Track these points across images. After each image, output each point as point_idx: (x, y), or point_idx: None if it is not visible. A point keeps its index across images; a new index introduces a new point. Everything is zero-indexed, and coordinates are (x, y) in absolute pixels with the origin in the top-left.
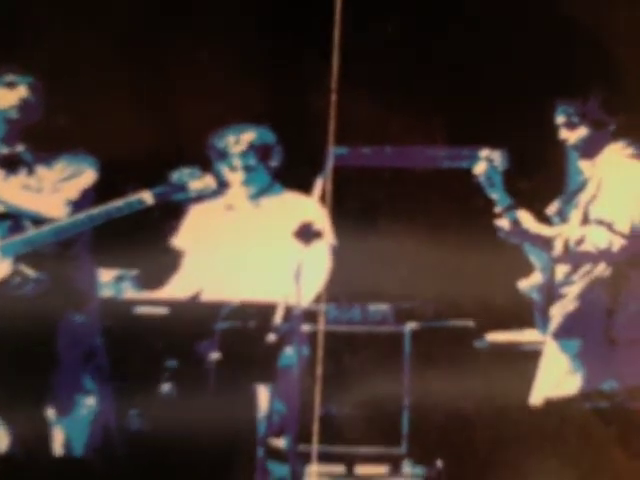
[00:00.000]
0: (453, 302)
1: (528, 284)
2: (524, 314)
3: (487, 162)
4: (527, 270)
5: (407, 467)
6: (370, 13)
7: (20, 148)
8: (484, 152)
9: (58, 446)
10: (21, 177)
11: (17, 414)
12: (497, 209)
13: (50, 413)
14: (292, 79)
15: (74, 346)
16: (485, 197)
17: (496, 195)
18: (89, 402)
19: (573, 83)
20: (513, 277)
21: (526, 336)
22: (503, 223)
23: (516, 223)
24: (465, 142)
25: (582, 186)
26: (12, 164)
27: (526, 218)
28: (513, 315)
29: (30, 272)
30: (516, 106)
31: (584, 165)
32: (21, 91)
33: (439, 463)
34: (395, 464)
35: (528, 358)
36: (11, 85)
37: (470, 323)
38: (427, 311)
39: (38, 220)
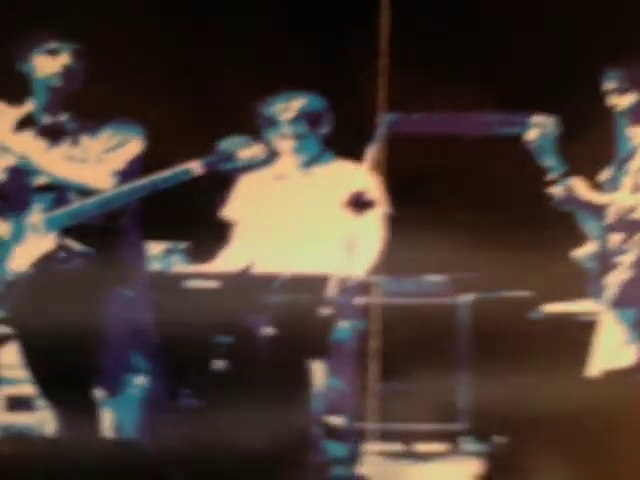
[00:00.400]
0: (508, 273)
1: (582, 253)
2: (579, 284)
3: (539, 128)
4: (581, 239)
5: (467, 444)
6: None
7: (63, 117)
8: (536, 118)
9: (107, 428)
10: (65, 147)
11: (64, 396)
12: (550, 176)
13: (98, 394)
14: (341, 43)
15: (123, 323)
16: (537, 165)
17: (549, 162)
18: (139, 381)
19: (623, 48)
20: (567, 246)
21: (582, 306)
22: (556, 191)
23: (569, 190)
24: (516, 108)
25: (632, 153)
26: (55, 134)
27: (579, 186)
28: (568, 285)
29: (76, 246)
30: (566, 71)
31: (633, 132)
32: (64, 58)
33: (499, 439)
34: (454, 441)
35: (584, 329)
36: (53, 52)
37: (526, 294)
38: (483, 282)
39: (83, 192)
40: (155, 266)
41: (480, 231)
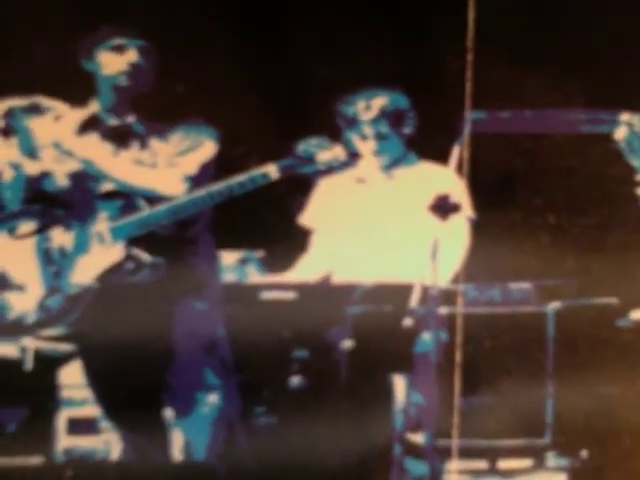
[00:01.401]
0: (596, 278)
1: None
2: None
3: (628, 127)
4: None
5: (551, 459)
6: None
7: (131, 119)
8: (624, 116)
9: (177, 450)
10: (133, 151)
11: (131, 416)
12: (639, 177)
13: (168, 414)
14: (424, 38)
15: (194, 337)
16: (626, 164)
17: (637, 162)
18: (211, 399)
19: None
20: None
21: None
22: None
23: None
24: (604, 105)
25: None
26: (123, 137)
27: None
28: None
29: (145, 256)
30: None
31: None
32: (131, 55)
33: (584, 453)
34: (539, 457)
35: None
36: (119, 49)
37: (614, 300)
38: (570, 289)
39: (153, 198)
40: (229, 277)
41: (567, 235)
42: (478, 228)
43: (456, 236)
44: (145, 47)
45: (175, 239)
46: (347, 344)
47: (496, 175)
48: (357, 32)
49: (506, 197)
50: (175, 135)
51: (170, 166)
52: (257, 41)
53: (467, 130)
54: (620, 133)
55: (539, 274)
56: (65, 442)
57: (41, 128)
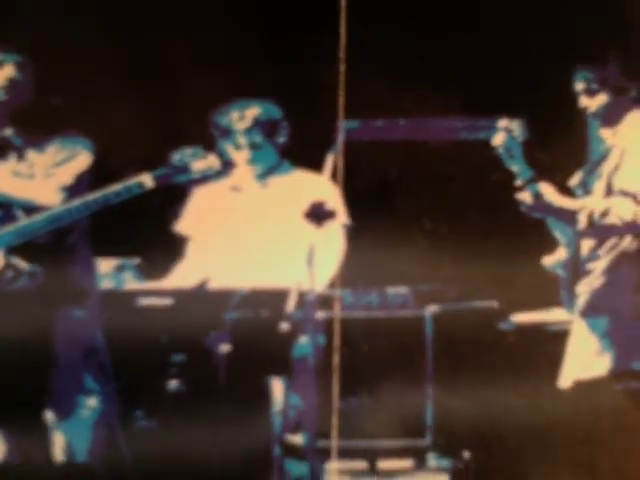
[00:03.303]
0: (475, 282)
1: (553, 261)
2: (550, 292)
3: (506, 132)
4: (551, 246)
5: (432, 460)
6: None
7: (8, 132)
8: (502, 122)
9: (58, 452)
10: (10, 163)
11: (13, 419)
12: (518, 182)
13: (49, 417)
14: (297, 49)
15: (73, 343)
16: (505, 170)
17: (516, 167)
18: (91, 403)
19: (591, 48)
20: (537, 254)
21: (553, 316)
22: (525, 197)
23: (538, 196)
24: (482, 112)
25: (604, 156)
26: (0, 149)
27: (548, 191)
28: (538, 294)
29: (23, 265)
30: (534, 73)
31: (605, 134)
32: (8, 70)
33: (466, 454)
34: (420, 457)
35: (556, 339)
36: None
37: (494, 304)
38: (449, 293)
39: (30, 208)
40: (106, 284)
41: (446, 240)
42: (354, 234)
43: (332, 242)
44: (22, 62)
45: (53, 248)
46: (225, 348)
47: (372, 182)
48: (231, 43)
49: (382, 203)
50: (51, 147)
51: (47, 177)
52: (131, 53)
53: (341, 139)
54: (498, 139)
55: (417, 279)
56: None
57: None
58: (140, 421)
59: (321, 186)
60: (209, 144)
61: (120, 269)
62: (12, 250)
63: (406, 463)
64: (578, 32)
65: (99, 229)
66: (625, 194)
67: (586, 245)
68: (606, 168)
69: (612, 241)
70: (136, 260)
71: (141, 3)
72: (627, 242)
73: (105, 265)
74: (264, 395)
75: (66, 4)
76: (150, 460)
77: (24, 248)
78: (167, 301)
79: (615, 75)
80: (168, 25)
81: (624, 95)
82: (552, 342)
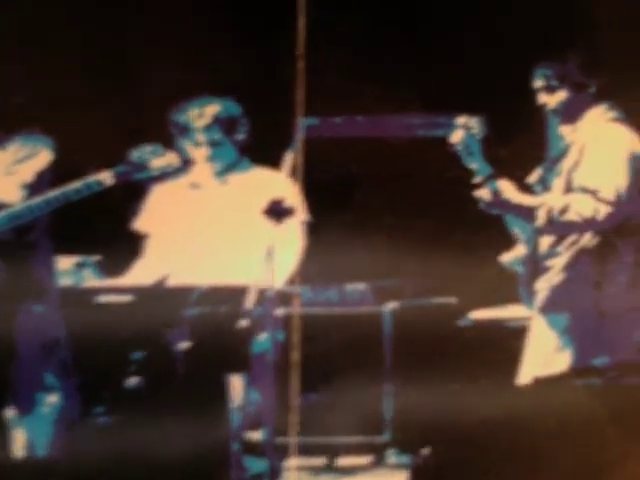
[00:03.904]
0: (434, 279)
1: (511, 257)
2: (508, 289)
3: (464, 130)
4: (510, 242)
5: (391, 456)
6: None
7: None
8: (461, 119)
9: (19, 447)
10: None
11: None
12: (476, 179)
13: (9, 413)
14: (256, 47)
15: (33, 339)
16: (464, 167)
17: (475, 164)
18: (51, 399)
19: (551, 45)
20: (495, 250)
21: (511, 312)
22: (483, 193)
23: (497, 193)
24: (441, 109)
25: (564, 152)
26: None
27: (507, 187)
28: (497, 290)
29: None
30: (492, 70)
31: (565, 130)
32: None
33: (425, 451)
34: (379, 454)
35: (515, 335)
36: None
37: (452, 300)
38: (407, 289)
39: None
40: (66, 281)
41: (405, 237)
42: (314, 231)
43: (291, 239)
44: None
45: (14, 244)
46: (184, 345)
47: (331, 179)
48: (190, 41)
49: (342, 200)
50: (12, 144)
51: (8, 174)
52: (91, 52)
53: (300, 136)
54: (457, 136)
55: (376, 275)
56: None
57: None
58: (100, 417)
59: (280, 183)
60: (168, 142)
61: (80, 266)
62: None
63: (365, 460)
64: (537, 29)
65: (59, 226)
66: (585, 191)
67: (545, 242)
68: (565, 165)
69: (572, 238)
70: (96, 257)
71: (102, 2)
72: (587, 239)
73: (65, 262)
74: (223, 391)
75: (27, 4)
76: (110, 456)
77: None
78: (126, 298)
79: (575, 72)
80: (128, 24)
81: (584, 92)
82: (511, 338)
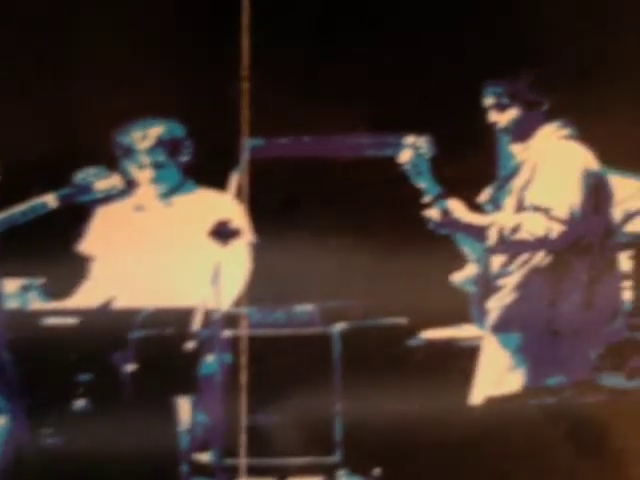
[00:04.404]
0: (384, 299)
1: (462, 277)
2: (460, 309)
3: (413, 149)
4: (461, 262)
5: (342, 477)
6: None
7: None
8: (409, 139)
9: None
10: None
11: None
12: (426, 199)
13: None
14: (200, 67)
15: None
16: (412, 186)
17: (424, 184)
18: None
19: (501, 62)
20: (446, 270)
21: (463, 332)
22: (433, 213)
23: (446, 213)
24: (388, 129)
25: (515, 171)
26: None
27: (457, 207)
28: (448, 310)
29: None
30: (442, 89)
31: (516, 149)
32: None
33: (376, 471)
34: (330, 474)
35: (467, 355)
36: None
37: (403, 321)
38: (356, 310)
39: None
40: (12, 304)
41: (353, 257)
42: (260, 252)
43: (237, 260)
44: None
45: None
46: (130, 367)
47: (277, 200)
48: (134, 62)
49: (288, 221)
50: None
51: None
52: (34, 73)
53: (245, 157)
54: (405, 156)
55: (324, 296)
56: None
57: None
58: (48, 439)
59: (226, 205)
60: (112, 164)
61: (25, 289)
62: None
63: None
64: (488, 46)
65: (4, 249)
66: (537, 209)
67: (497, 261)
68: (517, 183)
69: (524, 257)
70: (41, 280)
71: (43, 22)
72: (539, 257)
73: (10, 285)
74: (171, 413)
75: None
76: (58, 477)
77: None
78: (72, 320)
79: (526, 89)
80: (71, 43)
81: (535, 109)
82: (463, 358)
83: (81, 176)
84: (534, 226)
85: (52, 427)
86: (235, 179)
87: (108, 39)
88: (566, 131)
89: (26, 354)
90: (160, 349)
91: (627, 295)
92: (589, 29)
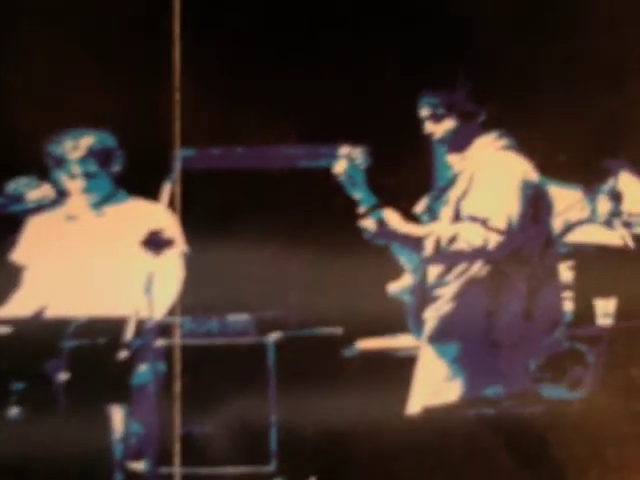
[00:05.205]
0: (319, 309)
1: (398, 287)
2: (396, 319)
3: (347, 160)
4: (397, 272)
5: None
6: (213, 4)
7: None
8: (344, 149)
9: None
10: None
11: None
12: (361, 209)
13: None
14: (131, 78)
15: None
16: (347, 197)
17: (359, 194)
18: None
19: (437, 73)
20: (382, 280)
21: (399, 342)
22: (368, 224)
23: (382, 223)
24: (323, 139)
25: (452, 182)
26: None
27: (393, 217)
28: (384, 320)
29: None
30: (376, 100)
31: (453, 159)
32: None
33: None
34: None
35: (403, 365)
36: None
37: (338, 330)
38: (291, 320)
39: None
40: None
41: (288, 267)
42: (193, 261)
43: (170, 270)
44: None
45: None
46: (63, 377)
47: (210, 210)
48: (65, 72)
49: (221, 231)
50: None
51: None
52: None
53: (177, 167)
54: (340, 167)
55: (259, 306)
56: None
57: None
58: None
59: (158, 214)
60: (44, 174)
61: None
62: None
63: None
64: (424, 57)
65: None
66: (474, 219)
67: (434, 271)
68: (454, 194)
69: (461, 267)
70: None
71: None
72: (477, 268)
73: None
74: (104, 423)
75: None
76: None
77: None
78: (5, 329)
79: (462, 100)
80: (4, 54)
81: (472, 120)
82: (399, 368)
83: (13, 186)
84: (471, 236)
85: None
86: (167, 189)
87: (41, 50)
88: (504, 142)
89: None
90: (93, 358)
91: (568, 305)
92: (525, 39)
